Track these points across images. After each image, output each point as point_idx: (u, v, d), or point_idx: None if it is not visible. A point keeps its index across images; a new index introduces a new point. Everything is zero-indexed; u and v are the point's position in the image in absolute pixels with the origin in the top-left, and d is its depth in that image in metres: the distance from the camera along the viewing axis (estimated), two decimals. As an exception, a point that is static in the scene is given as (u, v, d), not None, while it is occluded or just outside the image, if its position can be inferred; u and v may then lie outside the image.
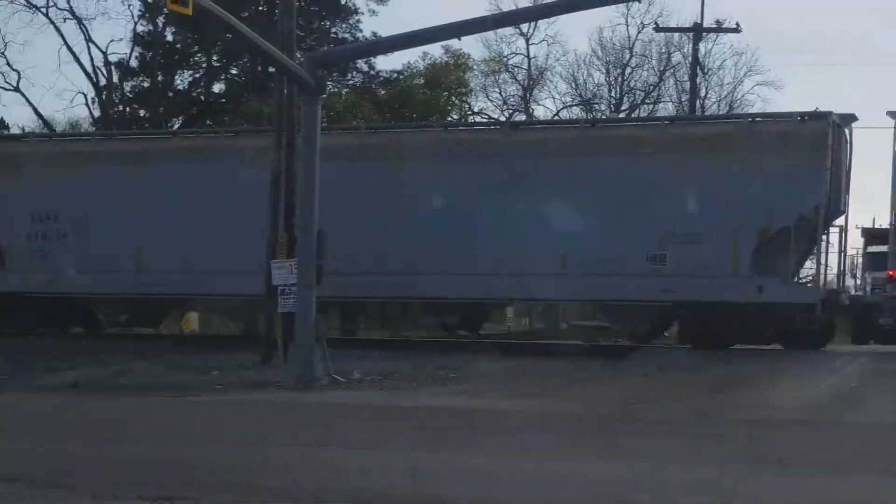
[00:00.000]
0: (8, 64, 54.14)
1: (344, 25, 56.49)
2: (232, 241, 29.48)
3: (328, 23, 56.65)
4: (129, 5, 55.50)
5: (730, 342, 27.58)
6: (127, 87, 56.83)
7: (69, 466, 12.04)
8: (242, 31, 24.06)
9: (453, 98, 55.38)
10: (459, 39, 33.26)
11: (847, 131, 28.14)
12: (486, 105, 59.53)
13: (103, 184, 31.92)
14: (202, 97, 57.15)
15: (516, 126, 31.84)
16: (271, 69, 36.94)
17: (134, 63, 56.01)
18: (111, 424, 16.97)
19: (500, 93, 59.97)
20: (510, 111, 59.17)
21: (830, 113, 27.61)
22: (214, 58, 56.69)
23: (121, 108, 55.59)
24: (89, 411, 19.42)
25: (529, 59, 59.45)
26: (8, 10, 57.28)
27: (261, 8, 51.99)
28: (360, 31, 55.97)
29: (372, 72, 55.60)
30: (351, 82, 55.80)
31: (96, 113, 55.35)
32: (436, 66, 54.09)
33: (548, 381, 22.64)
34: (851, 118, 28.02)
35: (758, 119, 29.57)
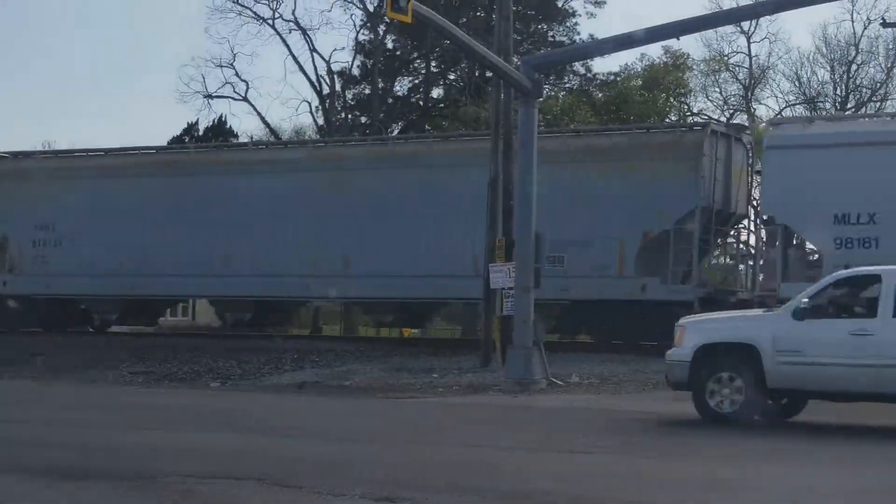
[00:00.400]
0: (237, 74, 56.24)
1: (561, 28, 56.52)
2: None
3: (545, 26, 56.74)
4: (351, 15, 56.75)
5: (624, 338, 28.97)
6: (349, 94, 58.23)
7: (294, 464, 12.33)
8: (460, 36, 24.31)
9: (671, 99, 54.63)
10: (679, 39, 33.06)
11: (744, 140, 30.68)
12: (705, 105, 58.51)
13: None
14: (421, 103, 58.00)
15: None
16: (488, 73, 37.19)
17: (356, 71, 57.37)
18: (334, 424, 17.34)
19: (720, 92, 58.81)
20: (731, 111, 58.02)
21: (709, 124, 31.73)
22: (433, 64, 57.48)
23: (343, 115, 56.90)
24: (314, 411, 19.91)
25: (751, 58, 58.14)
26: (237, 23, 59.41)
27: (478, 13, 52.46)
28: (578, 33, 55.93)
29: (589, 74, 55.41)
30: (568, 85, 55.74)
31: (320, 121, 56.84)
32: (654, 66, 53.40)
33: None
34: (742, 128, 30.62)
35: (651, 130, 32.83)
